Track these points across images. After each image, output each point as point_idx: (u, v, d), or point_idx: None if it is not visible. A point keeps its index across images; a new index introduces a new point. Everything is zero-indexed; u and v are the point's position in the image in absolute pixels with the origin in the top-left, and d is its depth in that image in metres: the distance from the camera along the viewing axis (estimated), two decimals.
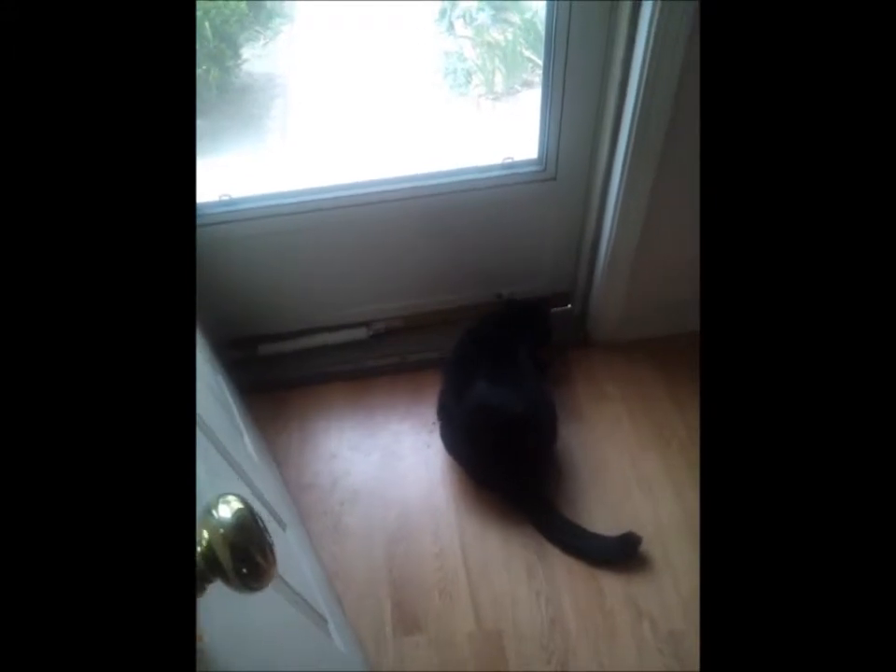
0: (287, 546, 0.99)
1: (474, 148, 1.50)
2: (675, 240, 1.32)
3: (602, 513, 1.26)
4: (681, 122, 1.10)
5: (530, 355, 1.32)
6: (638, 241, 1.31)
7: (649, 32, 0.99)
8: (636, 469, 1.33)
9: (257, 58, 3.36)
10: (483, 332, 1.34)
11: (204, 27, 2.84)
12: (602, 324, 1.50)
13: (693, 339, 1.48)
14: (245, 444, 1.09)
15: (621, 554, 1.18)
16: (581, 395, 1.46)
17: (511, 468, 1.24)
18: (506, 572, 1.19)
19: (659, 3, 0.94)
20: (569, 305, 1.58)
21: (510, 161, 1.30)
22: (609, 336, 1.52)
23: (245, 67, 3.20)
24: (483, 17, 2.69)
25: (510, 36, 2.56)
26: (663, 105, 1.07)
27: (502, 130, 1.90)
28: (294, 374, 1.51)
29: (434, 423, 1.39)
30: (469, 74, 2.79)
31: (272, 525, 0.94)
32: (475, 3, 2.81)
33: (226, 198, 1.29)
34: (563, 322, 1.56)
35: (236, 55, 3.04)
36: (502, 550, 1.22)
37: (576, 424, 1.40)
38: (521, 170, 1.31)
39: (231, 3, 2.83)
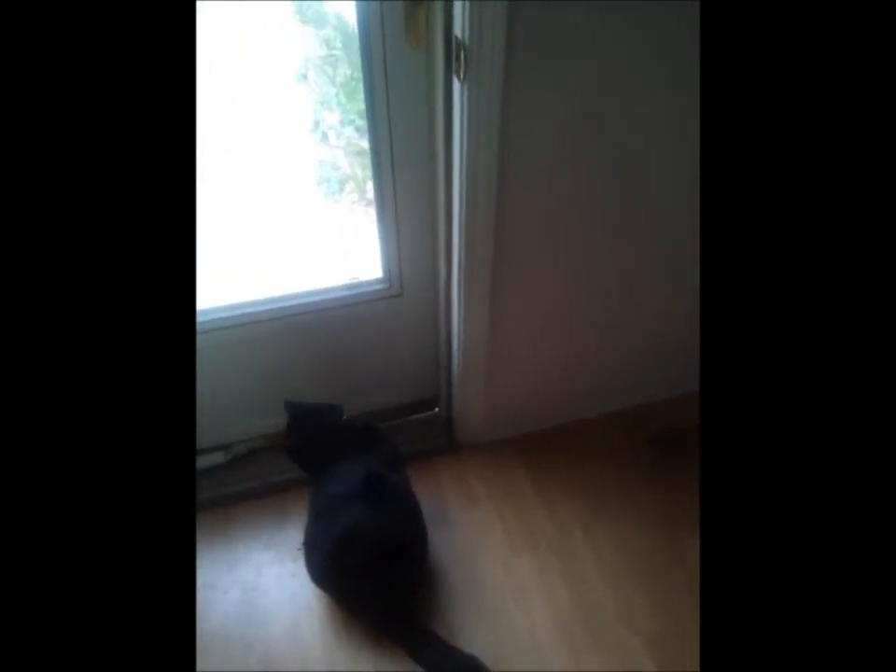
0: None
1: (326, 267, 1.54)
2: (522, 342, 1.39)
3: (477, 626, 1.23)
4: (506, 224, 1.16)
5: (389, 470, 1.31)
6: (487, 345, 1.37)
7: (461, 143, 1.05)
8: (508, 574, 1.32)
9: None
10: (332, 462, 1.30)
11: None
12: (466, 426, 1.53)
13: (554, 433, 1.55)
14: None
15: None
16: (451, 500, 1.45)
17: (383, 592, 1.20)
18: None
19: (467, 112, 1.00)
20: (436, 409, 1.60)
21: (356, 280, 1.34)
22: (475, 438, 1.54)
23: None
24: (350, 130, 2.84)
25: None
26: (486, 207, 1.12)
27: (351, 247, 1.98)
28: None
29: (299, 548, 1.33)
30: (342, 181, 2.91)
31: None
32: (343, 116, 2.97)
33: None
34: (430, 427, 1.57)
35: None
36: None
37: (446, 531, 1.39)
38: (367, 289, 1.35)
39: None
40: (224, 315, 1.30)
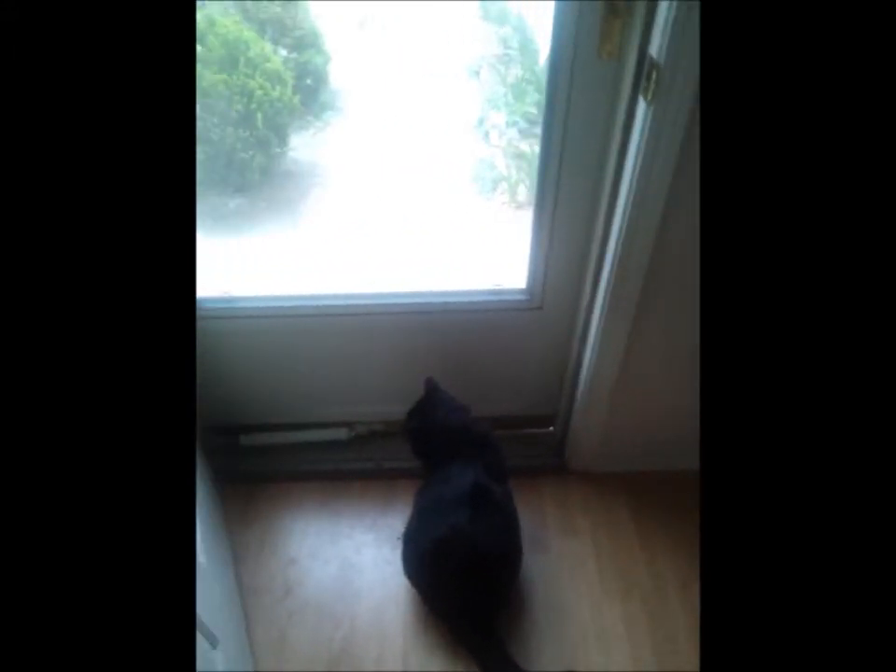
0: (213, 665, 0.97)
1: (470, 267, 1.55)
2: (655, 377, 1.31)
3: (553, 659, 1.19)
4: (664, 254, 1.10)
5: (496, 481, 1.29)
6: (617, 376, 1.31)
7: (634, 164, 1.01)
8: (595, 616, 1.26)
9: (304, 146, 3.59)
10: (444, 459, 1.31)
11: (256, 118, 3.07)
12: (579, 452, 1.48)
13: (669, 478, 1.45)
14: (196, 547, 1.09)
15: None
16: (550, 525, 1.41)
17: (468, 602, 1.20)
18: None
19: (646, 136, 0.95)
20: (551, 428, 1.57)
21: (498, 287, 1.34)
22: (585, 465, 1.49)
23: (291, 155, 3.42)
24: (514, 132, 2.83)
25: (537, 150, 2.68)
26: (646, 233, 1.06)
27: (495, 249, 1.98)
28: (270, 468, 1.52)
29: (399, 538, 1.36)
30: (496, 181, 2.91)
31: (199, 645, 0.92)
32: (507, 118, 2.97)
33: (226, 295, 1.35)
34: (541, 445, 1.54)
35: (283, 143, 3.26)
36: None
37: (541, 556, 1.36)
38: (508, 297, 1.34)
39: (284, 97, 3.07)
40: (366, 301, 1.35)
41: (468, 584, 1.17)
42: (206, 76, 3.21)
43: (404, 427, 1.33)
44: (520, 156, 2.85)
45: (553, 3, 0.99)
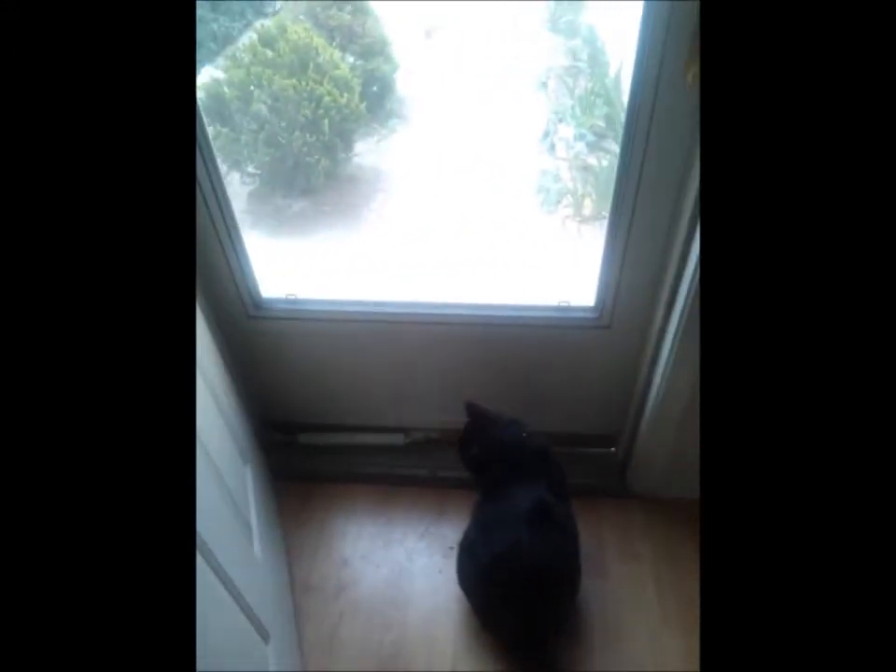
0: (264, 660, 0.98)
1: (534, 281, 1.54)
2: None
3: None
4: None
5: (558, 498, 1.27)
6: (689, 399, 1.27)
7: None
8: (652, 645, 1.23)
9: (369, 152, 3.65)
10: (504, 474, 1.29)
11: (323, 123, 3.13)
12: (643, 475, 1.44)
13: None
14: (253, 542, 1.11)
15: None
16: (610, 548, 1.38)
17: (524, 620, 1.18)
18: None
19: None
20: (612, 449, 1.53)
21: (565, 304, 1.32)
22: (648, 489, 1.45)
23: (355, 160, 3.47)
24: (581, 146, 2.80)
25: (605, 163, 2.64)
26: None
27: (559, 263, 1.95)
28: (326, 468, 1.54)
29: (451, 548, 1.36)
30: (560, 194, 2.89)
31: (252, 638, 0.94)
32: (575, 130, 2.94)
33: (291, 297, 1.37)
34: (602, 466, 1.51)
35: (349, 149, 3.32)
36: None
37: (599, 580, 1.32)
38: (575, 314, 1.32)
39: (351, 103, 3.12)
40: (428, 311, 1.35)
41: (524, 602, 1.15)
42: (276, 80, 3.30)
43: (462, 457, 1.31)
44: (586, 169, 2.82)
45: (640, 18, 0.97)
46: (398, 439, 1.55)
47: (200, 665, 0.63)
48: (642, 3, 0.94)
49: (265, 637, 1.00)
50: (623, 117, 1.09)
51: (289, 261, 2.20)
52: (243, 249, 1.30)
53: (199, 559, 0.77)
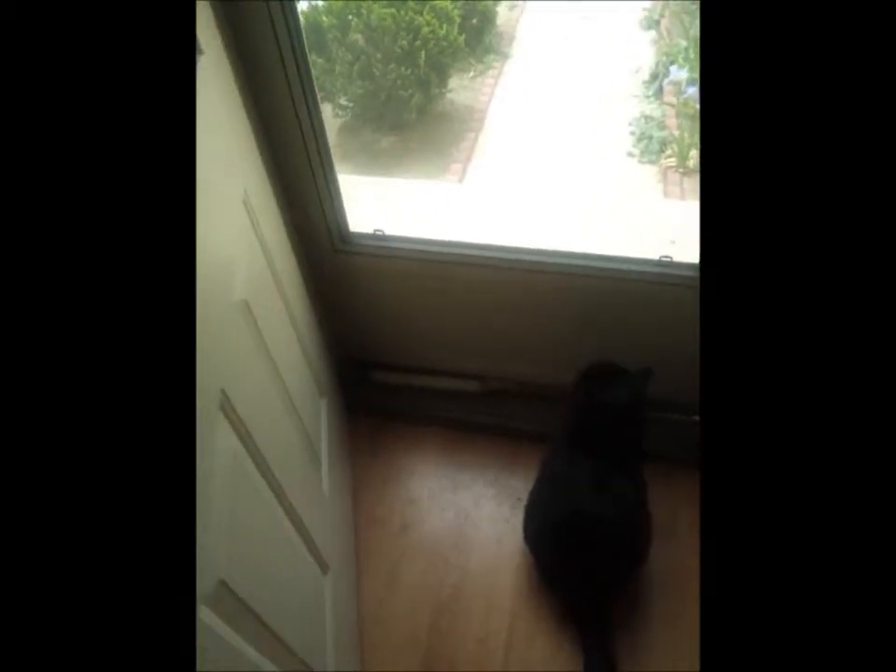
0: (321, 591, 1.00)
1: (638, 236, 1.44)
2: None
3: (661, 658, 1.14)
4: None
5: (633, 461, 1.22)
6: None
7: None
8: None
9: (463, 88, 3.52)
10: (583, 431, 1.24)
11: (420, 56, 3.02)
12: None
13: None
14: (321, 474, 1.13)
15: None
16: (682, 520, 1.33)
17: (588, 583, 1.16)
18: None
19: None
20: (695, 417, 1.45)
21: (667, 259, 1.23)
22: None
23: (449, 96, 3.36)
24: (694, 91, 2.57)
25: None
26: None
27: (660, 215, 1.81)
28: (399, 408, 1.55)
29: (519, 499, 1.34)
30: (663, 143, 2.69)
31: (311, 570, 0.96)
32: (688, 74, 2.70)
33: (379, 232, 1.35)
34: (681, 433, 1.43)
35: (443, 84, 3.21)
36: (546, 663, 1.15)
37: (671, 549, 1.28)
38: (678, 272, 1.22)
39: (450, 35, 2.99)
40: (519, 256, 1.29)
41: (589, 564, 1.13)
42: (375, 8, 3.19)
43: (582, 394, 1.25)
44: (695, 117, 2.61)
45: None
46: (473, 385, 1.53)
47: (254, 589, 0.64)
48: None
49: (324, 568, 1.02)
50: None
51: (376, 198, 2.18)
52: (334, 180, 1.27)
53: (269, 494, 0.78)
